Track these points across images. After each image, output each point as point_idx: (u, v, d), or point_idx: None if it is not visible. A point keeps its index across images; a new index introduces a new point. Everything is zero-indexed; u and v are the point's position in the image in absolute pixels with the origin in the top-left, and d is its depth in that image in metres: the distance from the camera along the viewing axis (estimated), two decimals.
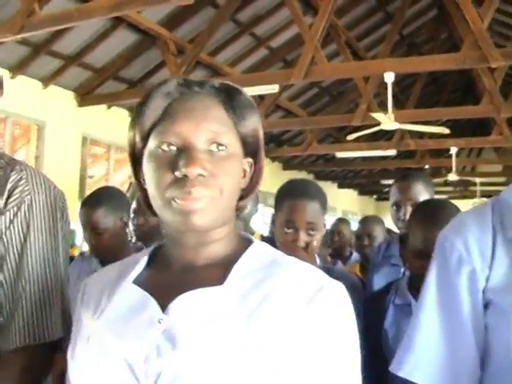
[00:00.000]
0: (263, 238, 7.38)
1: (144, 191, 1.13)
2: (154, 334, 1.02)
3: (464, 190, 20.98)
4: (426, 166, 16.57)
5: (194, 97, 1.09)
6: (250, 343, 0.99)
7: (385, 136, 13.65)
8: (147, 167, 1.08)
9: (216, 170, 1.04)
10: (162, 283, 1.10)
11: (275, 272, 1.08)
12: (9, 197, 1.47)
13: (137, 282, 1.12)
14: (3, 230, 1.45)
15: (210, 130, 1.05)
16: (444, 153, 15.65)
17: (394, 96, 11.97)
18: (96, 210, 2.78)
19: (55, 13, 6.48)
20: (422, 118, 10.24)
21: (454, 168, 14.51)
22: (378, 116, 8.11)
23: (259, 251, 1.13)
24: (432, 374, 1.30)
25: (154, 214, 1.12)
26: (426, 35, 13.55)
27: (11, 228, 1.46)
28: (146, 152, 1.09)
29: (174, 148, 1.05)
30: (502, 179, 17.88)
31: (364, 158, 15.65)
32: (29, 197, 1.48)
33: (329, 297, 1.04)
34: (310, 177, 18.58)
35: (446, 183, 17.56)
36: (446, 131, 9.08)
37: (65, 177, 9.06)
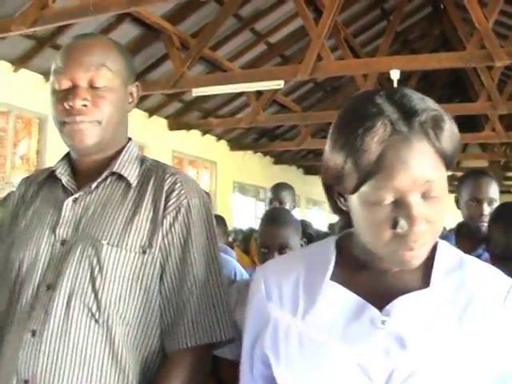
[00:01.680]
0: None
1: (345, 216, 1.18)
2: (379, 335, 1.07)
3: (449, 184, 21.10)
4: None
5: (406, 144, 1.04)
6: (463, 343, 1.06)
7: None
8: (362, 213, 1.10)
9: (432, 217, 1.06)
10: (362, 284, 1.15)
11: (470, 272, 1.14)
12: (167, 200, 1.49)
13: (333, 280, 1.16)
14: (164, 234, 1.48)
15: (425, 181, 1.04)
16: None
17: None
18: None
19: (70, 6, 6.45)
20: None
21: None
22: None
23: (446, 249, 1.19)
24: None
25: None
26: (419, 32, 13.68)
27: (172, 231, 1.48)
28: (361, 197, 1.09)
29: (390, 202, 1.05)
30: None
31: None
32: (186, 200, 1.50)
33: None
34: (300, 171, 18.66)
35: None
36: None
37: None
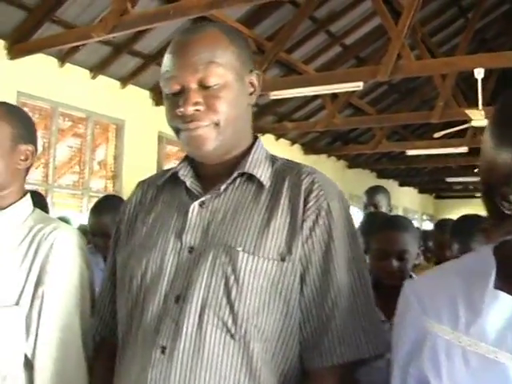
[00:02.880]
0: None
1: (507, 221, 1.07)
2: None
3: None
4: None
5: None
6: None
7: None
8: None
9: None
10: None
11: None
12: (306, 202, 1.35)
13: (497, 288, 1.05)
14: (304, 239, 1.33)
15: None
16: None
17: (463, 92, 11.77)
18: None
19: (149, 11, 6.45)
20: None
21: None
22: (471, 113, 7.91)
23: None
24: None
25: None
26: (496, 30, 13.28)
27: (313, 236, 1.33)
28: None
29: None
30: None
31: (429, 156, 15.39)
32: (325, 202, 1.35)
33: None
34: (373, 175, 18.42)
35: None
36: None
37: (142, 175, 9.05)
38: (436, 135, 9.40)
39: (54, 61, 8.05)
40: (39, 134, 8.20)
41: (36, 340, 1.54)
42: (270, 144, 12.75)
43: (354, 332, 1.32)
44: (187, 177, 1.46)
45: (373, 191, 4.28)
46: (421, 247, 2.52)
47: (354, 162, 16.48)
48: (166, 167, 10.25)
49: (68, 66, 8.24)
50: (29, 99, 7.84)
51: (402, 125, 13.66)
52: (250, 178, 1.42)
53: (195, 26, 1.46)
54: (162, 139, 9.95)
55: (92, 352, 1.61)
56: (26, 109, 7.87)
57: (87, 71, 8.59)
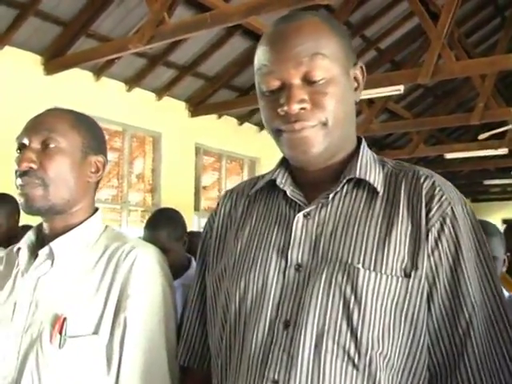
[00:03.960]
0: None
1: None
2: None
3: None
4: None
5: None
6: None
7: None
8: None
9: None
10: None
11: None
12: (428, 209, 1.19)
13: None
14: (430, 251, 1.17)
15: None
16: None
17: (500, 92, 11.52)
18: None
19: (186, 20, 6.36)
20: None
21: None
22: None
23: None
24: None
25: None
26: None
27: (439, 248, 1.16)
28: None
29: None
30: None
31: (466, 159, 15.10)
32: (449, 208, 1.19)
33: None
34: None
35: None
36: None
37: (181, 187, 8.99)
38: (480, 137, 9.17)
39: (89, 75, 8.00)
40: None
41: (119, 374, 1.37)
42: None
43: (494, 356, 1.14)
44: (286, 185, 1.30)
45: None
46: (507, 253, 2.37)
47: None
48: (203, 178, 10.18)
49: (103, 79, 8.19)
50: None
51: (438, 128, 13.43)
52: (359, 183, 1.26)
53: (291, 15, 1.28)
54: (199, 150, 9.86)
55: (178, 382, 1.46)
56: None
57: (122, 84, 8.53)
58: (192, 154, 9.67)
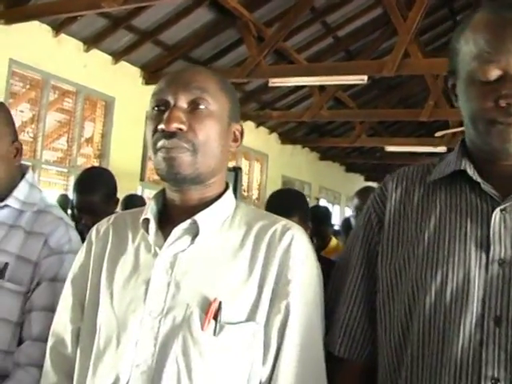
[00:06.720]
0: None
1: None
2: None
3: None
4: None
5: None
6: None
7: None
8: None
9: None
10: None
11: None
12: None
13: None
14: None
15: None
16: None
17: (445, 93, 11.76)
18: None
19: None
20: None
21: None
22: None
23: None
24: None
25: None
26: None
27: None
28: None
29: None
30: None
31: (404, 153, 15.41)
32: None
33: None
34: (342, 168, 18.46)
35: None
36: None
37: (129, 156, 8.79)
38: (437, 134, 9.37)
39: (48, 29, 7.68)
40: (27, 106, 7.83)
41: (275, 364, 1.24)
42: (249, 131, 12.56)
43: None
44: (479, 177, 1.26)
45: (366, 193, 3.78)
46: None
47: (325, 155, 16.38)
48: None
49: (62, 36, 7.88)
50: (20, 68, 7.48)
51: (379, 122, 13.64)
52: None
53: (506, 5, 1.25)
54: None
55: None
56: (15, 78, 7.53)
57: (81, 43, 8.23)
58: (143, 122, 9.42)
